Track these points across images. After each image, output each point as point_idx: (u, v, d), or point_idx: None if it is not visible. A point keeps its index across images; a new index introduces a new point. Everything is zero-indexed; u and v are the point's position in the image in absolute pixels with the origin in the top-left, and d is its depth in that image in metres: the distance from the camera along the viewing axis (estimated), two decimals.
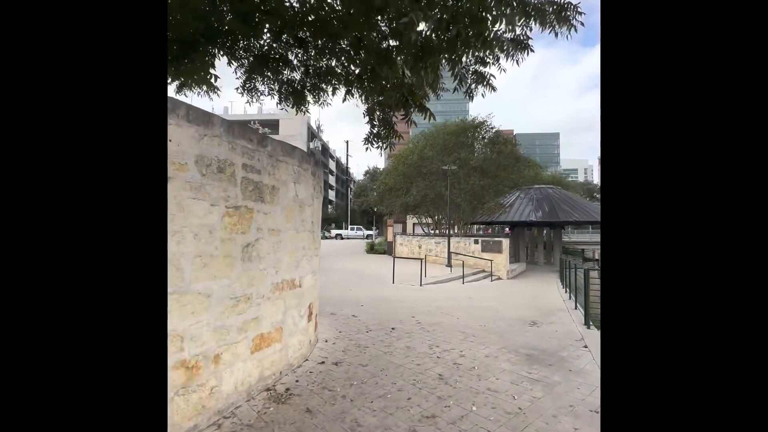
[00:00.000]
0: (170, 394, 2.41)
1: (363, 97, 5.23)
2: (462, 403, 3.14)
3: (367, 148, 5.51)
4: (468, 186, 17.17)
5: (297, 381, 3.51)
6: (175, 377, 2.44)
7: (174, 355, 2.42)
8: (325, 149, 53.42)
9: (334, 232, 38.90)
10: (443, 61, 3.98)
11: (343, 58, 4.78)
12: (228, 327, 2.87)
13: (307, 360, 4.07)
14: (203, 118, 2.63)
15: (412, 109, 4.72)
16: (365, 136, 5.46)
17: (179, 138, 2.43)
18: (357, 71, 4.92)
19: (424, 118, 4.74)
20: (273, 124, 40.59)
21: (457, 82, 4.14)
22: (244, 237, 3.03)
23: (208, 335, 2.68)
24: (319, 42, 4.79)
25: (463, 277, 11.84)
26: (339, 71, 5.06)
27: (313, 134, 48.39)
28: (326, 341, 4.78)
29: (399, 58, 4.13)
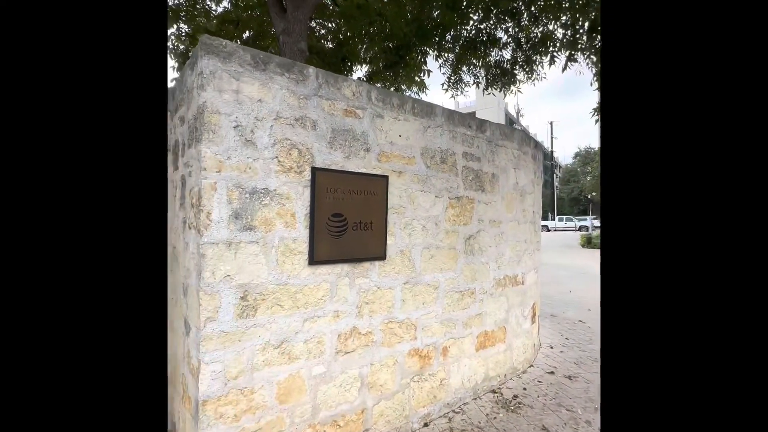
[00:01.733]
0: (406, 379, 2.52)
1: (590, 60, 4.30)
2: None
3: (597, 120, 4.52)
4: None
5: (524, 389, 3.16)
6: (410, 364, 2.53)
7: (408, 342, 2.52)
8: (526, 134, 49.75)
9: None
10: None
11: (564, 17, 4.04)
12: (454, 321, 2.81)
13: (531, 366, 3.65)
14: (426, 110, 2.62)
15: None
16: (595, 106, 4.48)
17: (407, 132, 2.49)
18: (586, 26, 4.05)
19: None
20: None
21: None
22: (466, 229, 2.89)
23: (436, 327, 2.69)
24: (533, 7, 4.22)
25: None
26: (559, 36, 4.33)
27: (511, 120, 45.93)
28: (551, 348, 4.20)
29: None
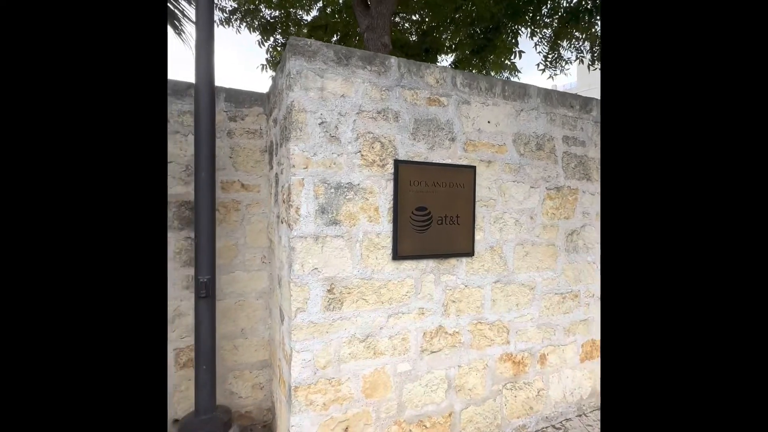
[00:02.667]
0: (497, 386, 2.33)
1: None
2: None
3: None
4: None
5: None
6: (502, 369, 2.34)
7: (500, 346, 2.32)
8: None
9: None
10: None
11: None
12: (553, 326, 2.51)
13: None
14: (519, 92, 2.36)
15: None
16: None
17: (497, 118, 2.28)
18: None
19: None
20: None
21: None
22: (568, 223, 2.56)
23: (532, 331, 2.43)
24: None
25: None
26: None
27: None
28: None
29: None
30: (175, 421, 2.33)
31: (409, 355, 2.06)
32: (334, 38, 5.80)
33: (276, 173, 2.17)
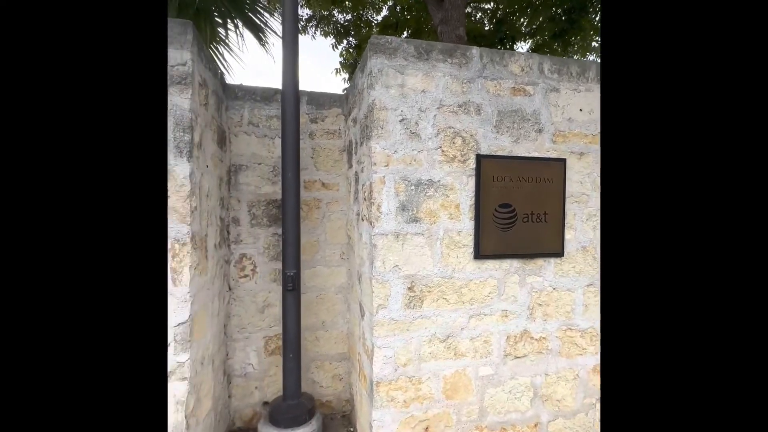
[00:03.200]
0: (591, 399, 2.12)
1: None
2: None
3: None
4: None
5: None
6: (596, 382, 2.13)
7: (593, 356, 2.12)
8: None
9: None
10: None
11: None
12: None
13: None
14: None
15: None
16: None
17: (590, 105, 2.07)
18: None
19: None
20: None
21: None
22: None
23: None
24: None
25: None
26: None
27: None
28: None
29: None
30: (265, 403, 2.52)
31: (492, 358, 1.97)
32: (405, 35, 5.80)
33: (355, 171, 2.22)
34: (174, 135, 1.65)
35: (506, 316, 1.98)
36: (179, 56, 1.65)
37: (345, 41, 5.91)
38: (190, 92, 1.66)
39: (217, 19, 4.23)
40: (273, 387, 2.52)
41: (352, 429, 2.46)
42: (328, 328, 2.62)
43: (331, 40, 5.86)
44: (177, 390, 1.66)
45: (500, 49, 5.46)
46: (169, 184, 1.64)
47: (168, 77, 1.64)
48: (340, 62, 6.05)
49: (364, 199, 1.96)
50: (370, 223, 1.83)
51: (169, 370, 1.65)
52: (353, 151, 2.30)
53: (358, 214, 2.17)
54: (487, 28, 5.64)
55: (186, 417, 1.68)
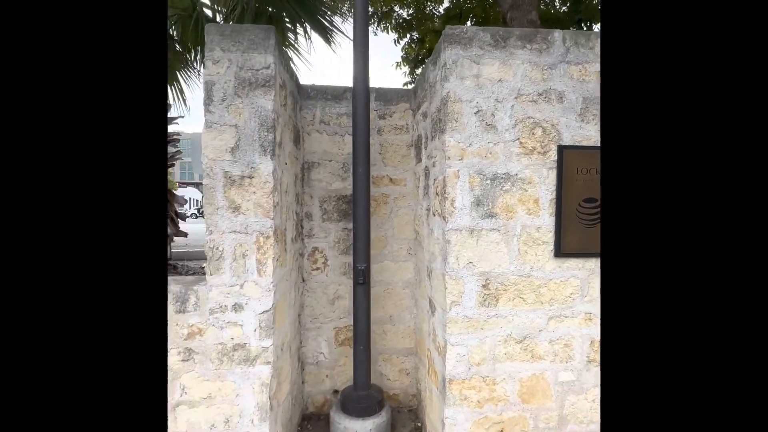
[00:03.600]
0: None
1: None
2: None
3: None
4: None
5: None
6: None
7: None
8: None
9: None
10: None
11: None
12: None
13: None
14: None
15: None
16: None
17: None
18: None
19: None
20: None
21: None
22: None
23: None
24: None
25: None
26: None
27: None
28: None
29: None
30: (335, 391, 2.61)
31: (573, 364, 1.84)
32: (469, 23, 5.62)
33: (425, 166, 2.20)
34: (259, 134, 1.75)
35: (590, 319, 1.83)
36: (263, 60, 1.75)
37: (408, 36, 5.88)
38: (272, 94, 1.76)
39: (287, 24, 4.44)
40: (342, 376, 2.61)
41: (420, 424, 2.46)
42: (395, 323, 2.64)
43: (393, 35, 5.88)
44: (262, 373, 1.78)
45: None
46: (254, 181, 1.76)
47: (254, 81, 1.75)
48: (402, 57, 6.04)
49: (437, 194, 1.93)
50: (443, 218, 1.80)
51: (254, 354, 1.78)
52: (422, 146, 2.27)
53: (428, 210, 2.15)
54: (563, 10, 5.25)
55: (270, 398, 1.79)
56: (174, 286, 1.77)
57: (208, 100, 1.74)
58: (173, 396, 1.76)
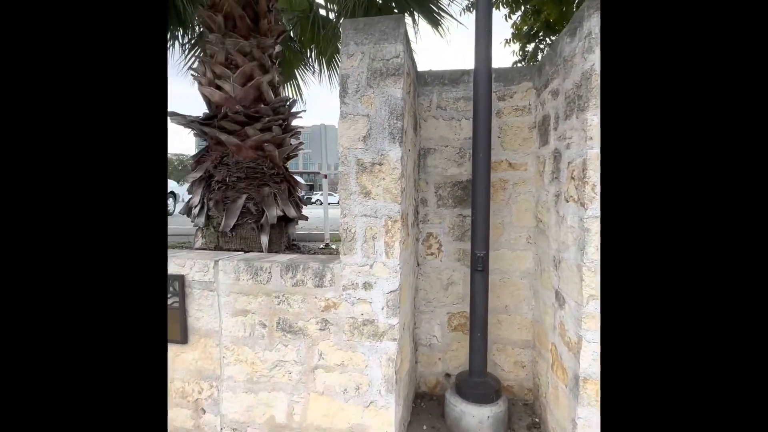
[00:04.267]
0: None
1: None
2: None
3: None
4: None
5: None
6: None
7: None
8: None
9: None
10: None
11: None
12: None
13: None
14: None
15: None
16: None
17: None
18: None
19: None
20: None
21: None
22: None
23: None
24: None
25: None
26: None
27: None
28: None
29: None
30: (447, 375, 2.65)
31: None
32: None
33: (555, 148, 2.04)
34: (388, 122, 1.83)
35: None
36: (393, 49, 1.81)
37: (521, 9, 5.45)
38: (401, 82, 1.81)
39: (395, 13, 4.51)
40: (454, 361, 2.63)
41: (537, 420, 2.36)
42: (510, 313, 2.55)
43: (504, 11, 5.50)
44: (389, 348, 1.90)
45: None
46: (383, 168, 1.85)
47: (384, 70, 1.82)
48: (512, 33, 5.63)
49: (572, 178, 1.78)
50: (582, 204, 1.65)
51: (381, 330, 1.90)
52: (550, 127, 2.11)
53: (557, 195, 2.00)
54: None
55: (395, 372, 1.91)
56: (313, 263, 1.98)
57: (343, 92, 1.87)
58: (312, 360, 2.00)
